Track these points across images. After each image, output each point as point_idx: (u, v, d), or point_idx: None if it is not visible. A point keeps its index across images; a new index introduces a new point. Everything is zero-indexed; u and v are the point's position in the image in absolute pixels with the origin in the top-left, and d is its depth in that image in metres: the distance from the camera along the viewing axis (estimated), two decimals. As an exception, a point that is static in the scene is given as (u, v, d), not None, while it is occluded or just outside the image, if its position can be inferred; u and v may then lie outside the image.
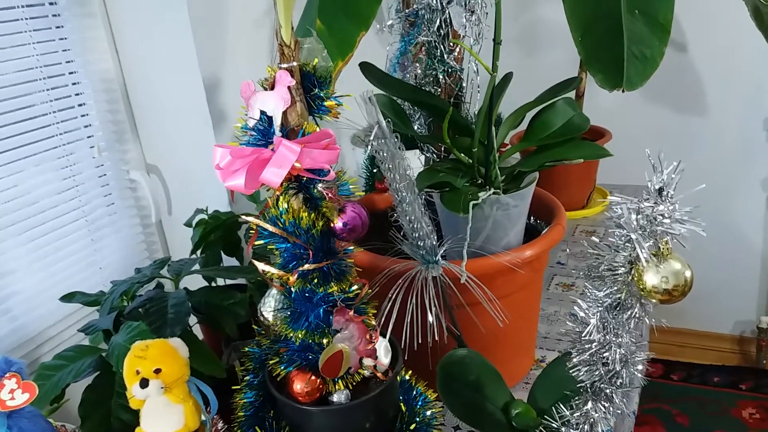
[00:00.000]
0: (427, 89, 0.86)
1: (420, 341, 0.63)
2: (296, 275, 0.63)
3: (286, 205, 0.62)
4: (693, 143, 1.92)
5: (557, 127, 0.89)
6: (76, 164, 1.16)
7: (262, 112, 0.60)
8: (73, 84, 1.16)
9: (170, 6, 1.15)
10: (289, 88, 0.58)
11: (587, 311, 0.58)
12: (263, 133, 0.60)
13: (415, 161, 0.95)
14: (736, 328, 2.15)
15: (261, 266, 0.63)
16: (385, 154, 0.57)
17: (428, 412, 0.76)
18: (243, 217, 0.64)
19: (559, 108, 0.90)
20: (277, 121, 0.59)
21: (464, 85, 0.86)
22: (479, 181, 0.83)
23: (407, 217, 0.59)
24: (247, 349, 0.79)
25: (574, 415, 0.65)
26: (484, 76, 0.86)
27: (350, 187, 0.64)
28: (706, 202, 1.98)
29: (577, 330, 0.60)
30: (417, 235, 0.60)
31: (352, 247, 0.66)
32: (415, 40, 1.17)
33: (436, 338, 0.63)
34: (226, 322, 0.80)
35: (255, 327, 0.80)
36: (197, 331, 0.98)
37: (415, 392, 0.78)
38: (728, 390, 2.03)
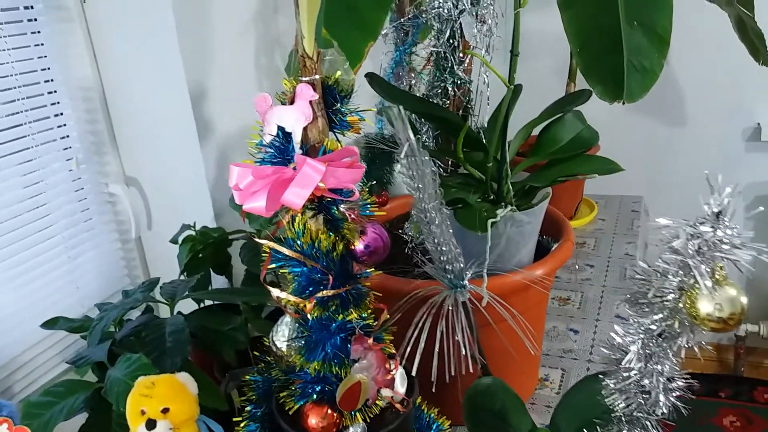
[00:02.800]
0: (435, 101, 0.82)
1: (449, 371, 0.59)
2: (314, 302, 0.59)
3: (302, 227, 0.58)
4: (675, 154, 1.94)
5: (566, 141, 0.87)
6: (52, 177, 1.09)
7: (280, 128, 0.56)
8: (50, 93, 1.09)
9: (153, 11, 1.09)
10: (311, 102, 0.54)
11: (627, 338, 0.55)
12: (281, 151, 0.56)
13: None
14: (714, 336, 2.17)
15: (276, 293, 0.58)
16: (414, 173, 0.53)
17: (444, 441, 0.73)
18: (256, 239, 0.59)
19: (568, 122, 0.87)
20: (297, 138, 0.55)
21: (473, 97, 0.84)
22: (491, 197, 0.80)
23: (434, 240, 0.56)
24: (248, 377, 0.74)
25: (604, 443, 0.62)
26: (493, 89, 0.84)
27: (371, 207, 0.60)
28: (685, 212, 2.01)
29: (614, 357, 0.57)
30: (445, 258, 0.57)
31: (370, 270, 0.62)
32: (410, 50, 1.14)
33: (465, 367, 0.60)
34: (224, 348, 0.75)
35: (256, 354, 0.75)
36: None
37: (428, 420, 0.74)
38: (708, 398, 2.04)
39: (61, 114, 1.11)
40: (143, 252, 1.32)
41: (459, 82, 0.80)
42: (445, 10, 0.75)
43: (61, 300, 1.11)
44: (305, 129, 0.55)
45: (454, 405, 0.80)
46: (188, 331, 0.71)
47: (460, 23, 0.76)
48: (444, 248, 0.56)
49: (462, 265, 0.58)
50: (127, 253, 1.27)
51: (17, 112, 1.02)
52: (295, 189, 0.52)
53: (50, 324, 0.79)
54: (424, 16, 1.10)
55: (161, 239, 1.29)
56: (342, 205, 0.57)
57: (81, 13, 1.13)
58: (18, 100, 1.02)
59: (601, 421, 0.63)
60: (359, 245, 0.58)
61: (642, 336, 0.54)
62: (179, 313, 0.80)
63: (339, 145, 0.57)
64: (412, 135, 0.53)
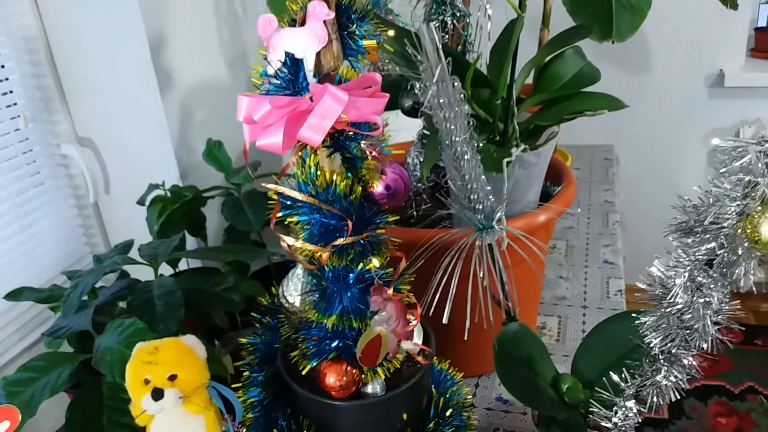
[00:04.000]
0: (431, 37, 0.76)
1: (473, 318, 0.55)
2: (331, 250, 0.53)
3: (315, 168, 0.52)
4: (638, 101, 1.93)
5: (568, 78, 0.82)
6: (-1, 138, 0.98)
7: (288, 54, 0.49)
8: (-11, 43, 0.97)
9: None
10: (325, 22, 0.47)
11: (670, 271, 0.52)
12: (290, 81, 0.49)
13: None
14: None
15: (289, 240, 0.52)
16: (443, 100, 0.47)
17: (459, 393, 0.69)
18: (262, 184, 0.53)
19: (569, 58, 0.83)
20: (310, 64, 0.48)
21: (471, 32, 0.78)
22: (497, 138, 0.75)
23: (465, 176, 0.51)
24: (246, 340, 0.68)
25: (635, 384, 0.59)
26: (493, 21, 0.79)
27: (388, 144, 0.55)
28: (652, 159, 2.02)
29: (657, 293, 0.54)
30: (475, 196, 0.52)
31: (387, 216, 0.57)
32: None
33: (492, 313, 0.56)
34: (220, 309, 0.69)
35: (253, 315, 0.69)
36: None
37: (443, 373, 0.70)
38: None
39: (3, 67, 0.99)
40: (101, 218, 1.22)
41: (458, 14, 0.74)
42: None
43: (17, 272, 1.01)
44: (318, 54, 0.48)
45: (465, 356, 0.77)
46: (180, 293, 0.64)
47: (460, -53, 0.70)
48: (475, 185, 0.51)
49: (492, 204, 0.53)
50: (86, 219, 1.17)
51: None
52: (315, 121, 0.46)
53: (14, 295, 0.71)
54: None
55: (121, 203, 1.19)
56: (363, 141, 0.51)
57: (17, -49, 1.01)
58: (-48, 50, 0.90)
59: (630, 362, 0.60)
60: (379, 187, 0.53)
61: (689, 267, 0.51)
62: (161, 275, 0.73)
63: (356, 72, 0.50)
64: (443, 57, 0.47)
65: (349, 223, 0.52)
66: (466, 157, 0.50)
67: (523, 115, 0.82)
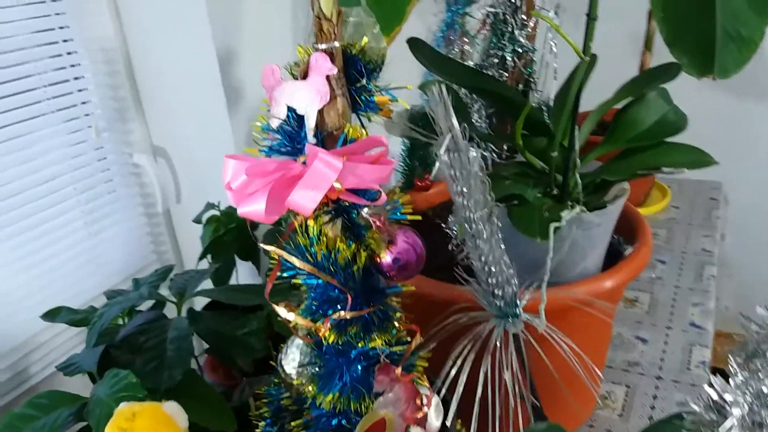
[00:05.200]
0: (491, 73, 0.69)
1: (494, 414, 0.48)
2: (329, 324, 0.48)
3: (318, 232, 0.47)
4: (758, 133, 1.72)
5: (648, 126, 0.72)
6: (72, 147, 1.01)
7: (291, 109, 0.44)
8: (69, 54, 1.00)
9: (181, -36, 0.99)
10: (328, 77, 0.42)
11: (728, 395, 0.42)
12: (291, 137, 0.45)
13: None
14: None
15: (282, 312, 0.47)
16: (457, 173, 0.41)
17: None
18: (262, 245, 0.48)
19: (651, 101, 0.73)
20: (311, 123, 0.43)
21: (536, 69, 0.70)
22: (554, 192, 0.67)
23: (482, 258, 0.44)
24: (263, 389, 0.65)
25: None
26: (561, 59, 0.70)
27: (403, 209, 0.48)
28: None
29: (707, 417, 0.44)
30: (494, 280, 0.45)
31: (400, 286, 0.51)
32: (464, 10, 1.00)
33: (513, 409, 0.48)
34: (239, 355, 0.66)
35: (273, 363, 0.66)
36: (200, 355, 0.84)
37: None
38: None
39: (81, 77, 1.02)
40: (172, 227, 1.24)
41: (520, 50, 0.66)
42: (508, -38, 0.61)
43: (82, 279, 1.04)
44: (321, 111, 0.43)
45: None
46: (191, 339, 0.61)
47: (525, -22, 0.62)
48: (493, 268, 0.44)
49: (515, 290, 0.45)
50: (154, 228, 1.19)
51: (30, 75, 0.93)
52: (304, 191, 0.40)
53: (52, 315, 0.72)
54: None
55: (191, 212, 1.20)
56: (365, 210, 0.45)
57: (104, -35, 1.03)
58: (32, 61, 0.93)
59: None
60: (386, 258, 0.47)
61: (750, 399, 0.41)
62: (190, 310, 0.71)
63: (364, 132, 0.45)
64: (455, 123, 0.40)
65: (349, 295, 0.47)
66: (483, 236, 0.43)
67: (592, 164, 0.72)
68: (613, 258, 0.74)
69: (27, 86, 0.93)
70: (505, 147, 0.72)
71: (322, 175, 0.40)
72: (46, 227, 0.97)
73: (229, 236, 0.92)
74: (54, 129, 0.97)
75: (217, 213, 0.96)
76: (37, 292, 0.97)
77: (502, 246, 0.44)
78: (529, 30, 0.66)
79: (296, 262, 0.47)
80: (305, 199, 0.41)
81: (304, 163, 0.42)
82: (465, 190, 0.41)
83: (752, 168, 1.73)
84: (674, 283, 1.12)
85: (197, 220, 0.98)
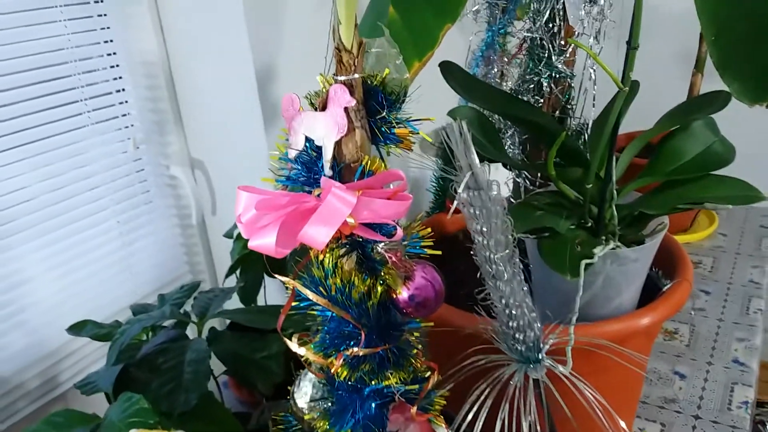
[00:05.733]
0: (525, 99, 0.67)
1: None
2: (341, 361, 0.46)
3: (333, 264, 0.46)
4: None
5: (691, 157, 0.69)
6: (111, 158, 1.03)
7: (309, 140, 0.43)
8: (111, 67, 1.02)
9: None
10: (346, 109, 0.41)
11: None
12: (309, 168, 0.44)
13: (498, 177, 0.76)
14: None
15: (294, 347, 0.46)
16: (478, 211, 0.39)
17: None
18: (277, 276, 0.47)
19: (696, 131, 0.69)
20: (328, 155, 0.42)
21: (573, 95, 0.67)
22: (589, 224, 0.64)
23: (503, 299, 0.42)
24: (281, 415, 0.63)
25: None
26: (600, 85, 0.67)
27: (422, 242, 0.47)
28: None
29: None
30: (516, 324, 0.42)
31: (418, 322, 0.49)
32: (506, 30, 0.98)
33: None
34: (258, 379, 0.65)
35: (290, 388, 0.64)
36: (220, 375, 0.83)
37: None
38: None
39: (122, 90, 1.04)
40: (207, 239, 1.25)
41: (557, 76, 0.64)
42: (546, -14, 0.59)
43: (115, 287, 1.06)
44: (339, 143, 0.42)
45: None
46: (209, 362, 0.61)
47: (564, 2, 0.60)
48: (515, 311, 0.42)
49: (538, 334, 0.43)
50: (188, 239, 1.20)
51: (72, 88, 0.95)
52: (316, 227, 0.39)
53: (77, 329, 0.72)
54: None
55: (226, 226, 1.22)
56: (380, 245, 0.43)
57: (148, -18, 1.05)
58: (74, 75, 0.95)
59: None
60: (403, 294, 0.45)
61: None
62: (211, 329, 0.71)
63: (383, 165, 0.43)
64: (476, 160, 0.38)
65: (362, 332, 0.45)
66: (505, 277, 0.41)
67: (631, 195, 0.69)
68: (650, 292, 0.70)
69: (69, 99, 0.95)
70: (538, 175, 0.70)
71: (335, 210, 0.39)
72: (82, 236, 0.99)
73: (258, 252, 0.91)
74: (93, 140, 0.99)
75: (248, 229, 0.96)
76: (69, 299, 0.98)
77: (525, 288, 0.42)
78: (567, 56, 0.64)
79: (310, 294, 0.46)
80: (318, 233, 0.39)
81: (318, 196, 0.41)
82: (485, 229, 0.40)
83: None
84: (718, 316, 1.06)
85: (228, 235, 0.98)
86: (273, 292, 1.02)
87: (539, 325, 0.44)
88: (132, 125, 1.06)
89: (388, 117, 0.42)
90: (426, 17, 0.62)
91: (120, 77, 1.03)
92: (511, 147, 0.67)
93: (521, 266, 0.42)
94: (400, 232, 0.42)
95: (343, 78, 0.41)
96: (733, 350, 0.98)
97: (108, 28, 0.99)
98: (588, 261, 0.54)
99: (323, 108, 0.42)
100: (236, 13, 0.99)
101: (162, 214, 1.14)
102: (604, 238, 0.60)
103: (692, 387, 0.91)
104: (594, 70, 0.63)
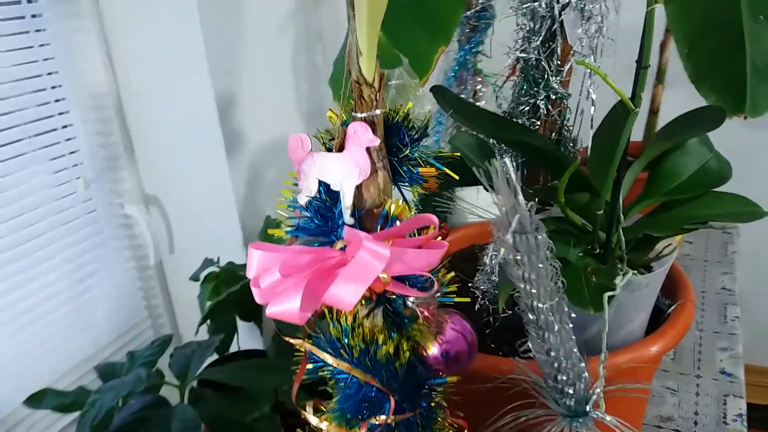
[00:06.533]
0: (521, 121, 0.64)
1: None
2: (366, 431, 0.41)
3: (352, 322, 0.41)
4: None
5: (688, 175, 0.67)
6: (59, 199, 0.94)
7: (323, 184, 0.38)
8: (56, 101, 0.94)
9: (177, 5, 0.93)
10: (368, 149, 0.36)
11: None
12: (324, 217, 0.38)
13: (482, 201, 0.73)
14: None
15: (314, 421, 0.41)
16: (525, 258, 0.35)
17: None
18: (288, 339, 0.42)
19: (691, 149, 0.68)
20: (348, 201, 0.37)
21: (569, 116, 0.65)
22: (597, 250, 0.61)
23: (550, 352, 0.38)
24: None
25: None
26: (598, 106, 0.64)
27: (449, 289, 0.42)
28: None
29: None
30: (564, 377, 0.38)
31: (445, 377, 0.44)
32: (477, 49, 0.95)
33: None
34: (249, 442, 0.58)
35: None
36: None
37: None
38: None
39: (71, 125, 0.96)
40: (165, 280, 1.17)
41: (555, 97, 0.61)
42: (543, 5, 0.56)
43: (71, 338, 0.97)
44: (359, 187, 0.37)
45: None
46: (201, 429, 0.54)
47: (561, 21, 0.57)
48: (564, 364, 0.38)
49: (587, 384, 0.39)
50: (145, 282, 1.12)
51: (15, 125, 0.86)
52: (346, 284, 0.34)
53: (35, 400, 0.64)
54: (490, 10, 0.91)
55: (185, 263, 1.14)
56: (411, 299, 0.39)
57: (94, 8, 0.97)
58: (16, 111, 0.86)
59: None
60: (433, 350, 0.41)
61: None
62: (191, 390, 0.64)
63: (408, 210, 0.39)
64: (522, 200, 0.34)
65: (392, 398, 0.40)
66: (554, 329, 0.37)
67: (633, 217, 0.67)
68: (652, 315, 0.68)
69: (11, 137, 0.86)
70: (536, 199, 0.66)
71: (367, 265, 0.34)
72: (31, 287, 0.90)
73: (231, 296, 0.85)
74: (40, 181, 0.90)
75: (216, 270, 0.89)
76: (22, 357, 0.89)
77: (573, 337, 0.38)
78: (563, 75, 0.61)
79: (329, 359, 0.40)
80: (347, 293, 0.34)
81: (342, 249, 0.36)
82: (533, 277, 0.35)
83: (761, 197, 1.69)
84: (697, 327, 1.06)
85: (195, 278, 0.91)
86: (245, 335, 0.95)
87: (587, 375, 0.40)
88: (81, 163, 0.98)
89: (412, 154, 0.38)
90: (418, 41, 0.58)
91: (67, 111, 0.95)
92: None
93: (569, 313, 0.38)
94: (435, 285, 0.37)
95: (363, 114, 0.36)
96: (718, 361, 0.98)
97: (52, 58, 0.91)
98: (611, 294, 0.51)
99: (340, 148, 0.37)
100: (194, 36, 0.92)
101: (117, 256, 1.05)
102: (619, 266, 0.57)
103: (685, 403, 0.89)
104: (592, 90, 0.60)
